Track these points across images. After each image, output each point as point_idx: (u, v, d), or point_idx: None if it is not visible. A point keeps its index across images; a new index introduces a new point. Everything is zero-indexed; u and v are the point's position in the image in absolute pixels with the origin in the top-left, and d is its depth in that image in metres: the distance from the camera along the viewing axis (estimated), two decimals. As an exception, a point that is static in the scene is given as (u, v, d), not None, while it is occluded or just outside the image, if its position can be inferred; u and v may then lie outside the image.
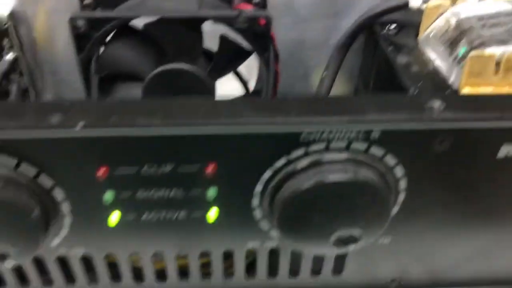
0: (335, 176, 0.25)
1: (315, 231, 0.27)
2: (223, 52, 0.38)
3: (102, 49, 0.39)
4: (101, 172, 0.26)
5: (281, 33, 0.40)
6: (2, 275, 0.31)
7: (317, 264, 0.33)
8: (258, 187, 0.27)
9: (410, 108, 0.25)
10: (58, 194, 0.26)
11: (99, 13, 0.35)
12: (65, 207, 0.27)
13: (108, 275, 0.32)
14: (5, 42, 0.38)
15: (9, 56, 0.38)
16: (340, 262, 0.33)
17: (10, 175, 0.25)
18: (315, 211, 0.26)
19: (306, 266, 0.32)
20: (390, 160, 0.26)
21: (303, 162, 0.26)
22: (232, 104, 0.26)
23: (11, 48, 0.38)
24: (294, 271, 0.33)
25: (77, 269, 0.31)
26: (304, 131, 0.25)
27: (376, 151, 0.26)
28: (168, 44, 0.38)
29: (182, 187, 0.27)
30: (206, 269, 0.32)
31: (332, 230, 0.27)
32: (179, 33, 0.37)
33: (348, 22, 0.42)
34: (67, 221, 0.27)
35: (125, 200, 0.27)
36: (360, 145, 0.26)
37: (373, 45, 0.41)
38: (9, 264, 0.27)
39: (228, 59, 0.38)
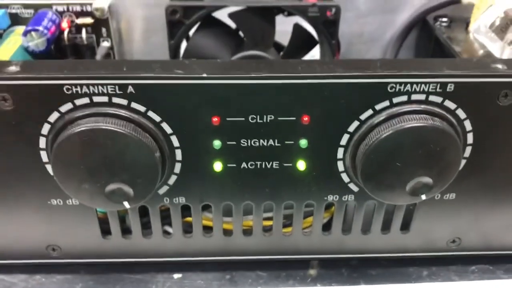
0: (414, 123, 0.29)
1: (394, 179, 0.31)
2: (295, 39, 0.42)
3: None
4: (214, 120, 0.30)
5: (343, 26, 0.45)
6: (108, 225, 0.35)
7: (387, 222, 0.36)
8: (344, 139, 0.31)
9: (478, 67, 0.30)
10: (175, 140, 0.31)
11: (192, 2, 0.41)
12: (178, 153, 0.31)
13: (201, 228, 0.36)
14: (103, 30, 0.43)
15: (106, 43, 0.43)
16: (408, 219, 0.36)
17: (139, 119, 0.29)
18: (394, 160, 0.30)
19: (377, 222, 0.36)
20: (461, 113, 0.30)
21: (386, 113, 0.30)
22: (325, 63, 0.30)
23: (108, 36, 0.43)
24: (365, 229, 0.37)
25: (176, 220, 0.35)
26: (390, 83, 0.29)
27: (450, 104, 0.30)
28: (245, 33, 0.43)
29: (278, 138, 0.31)
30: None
31: (408, 178, 0.31)
32: (256, 23, 0.42)
33: (402, 17, 0.47)
34: (178, 167, 0.32)
35: (229, 149, 0.31)
36: (436, 98, 0.30)
37: (427, 38, 0.46)
38: (126, 204, 0.31)
39: (299, 46, 0.43)
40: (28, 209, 0.34)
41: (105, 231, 0.35)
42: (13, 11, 0.42)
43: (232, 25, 0.45)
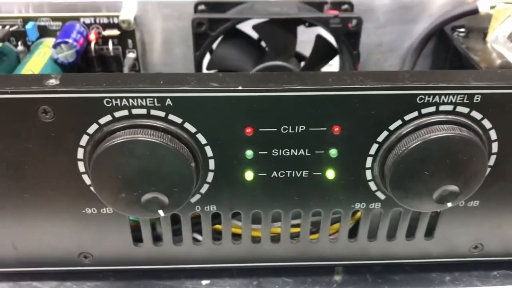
0: (442, 133, 0.30)
1: (421, 187, 0.32)
2: (317, 50, 0.43)
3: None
4: (247, 131, 0.31)
5: (363, 36, 0.46)
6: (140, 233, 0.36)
7: (411, 229, 0.37)
8: (373, 148, 0.32)
9: (504, 79, 0.31)
10: (208, 150, 0.32)
11: (217, 15, 0.42)
12: (212, 163, 0.32)
13: (230, 236, 0.36)
14: (129, 41, 0.44)
15: (132, 55, 0.44)
16: (432, 226, 0.37)
17: (176, 131, 0.30)
18: (422, 169, 0.31)
19: (402, 228, 0.37)
20: (487, 123, 0.31)
21: (415, 123, 0.31)
22: (354, 74, 0.31)
23: (133, 47, 0.44)
24: (390, 236, 0.37)
25: (206, 227, 0.36)
26: (419, 94, 0.30)
27: (476, 114, 0.31)
28: (268, 44, 0.44)
29: (308, 147, 0.32)
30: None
31: (435, 187, 0.32)
32: (279, 34, 0.43)
33: (420, 28, 0.48)
34: (210, 176, 0.33)
35: (261, 158, 0.32)
36: (463, 109, 0.31)
37: (445, 47, 0.47)
38: (161, 213, 0.32)
39: (320, 57, 0.44)
40: (62, 218, 0.34)
41: (137, 238, 0.36)
42: (42, 23, 0.43)
43: (254, 36, 0.46)
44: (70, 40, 0.40)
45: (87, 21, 0.43)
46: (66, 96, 0.29)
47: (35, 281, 0.38)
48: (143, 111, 0.30)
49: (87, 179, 0.32)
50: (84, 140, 0.31)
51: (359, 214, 0.36)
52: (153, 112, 0.30)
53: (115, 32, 0.43)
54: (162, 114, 0.30)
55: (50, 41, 0.43)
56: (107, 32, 0.43)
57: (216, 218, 0.36)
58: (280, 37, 0.43)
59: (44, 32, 0.44)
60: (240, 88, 0.29)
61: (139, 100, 0.29)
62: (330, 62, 0.48)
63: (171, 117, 0.30)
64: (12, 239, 0.36)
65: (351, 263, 0.39)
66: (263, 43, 0.47)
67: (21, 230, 0.35)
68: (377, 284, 0.38)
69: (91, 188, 0.33)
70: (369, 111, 0.31)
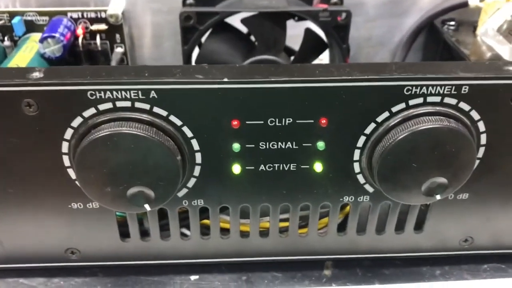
0: (429, 125, 0.30)
1: (409, 180, 0.32)
2: (307, 44, 0.43)
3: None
4: (234, 124, 0.31)
5: (352, 30, 0.46)
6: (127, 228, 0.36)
7: (400, 222, 0.37)
8: (361, 141, 0.32)
9: (492, 70, 0.30)
10: (195, 144, 0.31)
11: (205, 8, 0.41)
12: (198, 157, 0.32)
13: (219, 230, 0.36)
14: (117, 36, 0.44)
15: (120, 49, 0.44)
16: (421, 219, 0.37)
17: (161, 124, 0.30)
18: (410, 161, 0.31)
19: (391, 222, 0.36)
20: (475, 115, 0.31)
21: (403, 115, 0.31)
22: (342, 66, 0.31)
23: (121, 42, 0.44)
24: (379, 229, 0.37)
25: (194, 222, 0.35)
26: (406, 86, 0.30)
27: (464, 106, 0.31)
28: (257, 38, 0.44)
29: (296, 140, 0.32)
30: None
31: (424, 179, 0.31)
32: (268, 28, 0.43)
33: (410, 21, 0.48)
34: (197, 170, 0.32)
35: (248, 152, 0.32)
36: (451, 100, 0.30)
37: (435, 41, 0.46)
38: (147, 207, 0.32)
39: (310, 50, 0.44)
40: (48, 213, 0.34)
41: (124, 234, 0.36)
42: (28, 18, 0.43)
43: (243, 30, 0.46)
44: (57, 35, 0.40)
45: (75, 15, 0.43)
46: (49, 89, 0.29)
47: (21, 278, 0.37)
48: (128, 103, 0.29)
49: (72, 174, 0.32)
50: (68, 133, 0.30)
51: (348, 208, 0.36)
52: (138, 104, 0.29)
53: (103, 26, 0.43)
54: (146, 106, 0.30)
55: (37, 36, 0.42)
56: (94, 27, 0.43)
57: (204, 212, 0.35)
58: (269, 31, 0.43)
59: (31, 27, 0.43)
60: (226, 80, 0.29)
61: (123, 93, 0.29)
62: (320, 57, 0.48)
63: (156, 109, 0.30)
64: (-3, 235, 0.35)
65: (341, 257, 0.38)
66: (252, 37, 0.46)
67: (6, 226, 0.35)
68: (367, 278, 0.38)
69: (77, 182, 0.32)
70: (356, 103, 0.30)
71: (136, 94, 0.29)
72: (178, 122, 0.30)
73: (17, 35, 0.43)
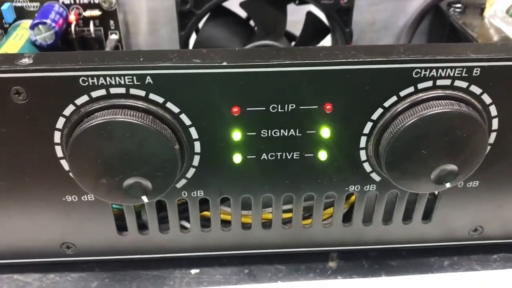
0: (439, 109, 0.28)
1: (418, 167, 0.30)
2: (308, 28, 0.42)
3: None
4: (234, 111, 0.29)
5: (355, 14, 0.44)
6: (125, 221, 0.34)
7: (408, 212, 0.36)
8: (367, 127, 0.30)
9: (504, 50, 0.29)
10: (193, 132, 0.30)
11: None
12: (197, 146, 0.30)
13: (220, 222, 0.35)
14: (111, 22, 0.42)
15: (114, 36, 0.42)
16: (429, 208, 0.35)
17: (158, 111, 0.28)
18: (419, 147, 0.29)
19: (399, 212, 0.35)
20: (487, 98, 0.30)
21: (411, 99, 0.29)
22: (347, 48, 0.29)
23: (116, 29, 0.42)
24: (386, 219, 0.36)
25: (194, 214, 0.34)
26: (415, 68, 0.28)
27: (475, 89, 0.29)
28: (257, 22, 0.42)
29: (299, 127, 0.30)
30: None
31: (433, 166, 0.30)
32: (268, 12, 0.41)
33: (414, 4, 0.46)
34: (196, 160, 0.31)
35: (249, 140, 0.30)
36: (462, 83, 0.29)
37: (441, 24, 0.45)
38: (145, 199, 0.30)
39: (312, 35, 0.42)
40: (42, 206, 0.33)
41: (121, 227, 0.34)
42: (19, 4, 0.41)
43: (243, 14, 0.44)
44: (48, 21, 0.38)
45: (67, 1, 0.41)
46: (39, 75, 0.27)
47: (16, 274, 0.36)
48: (122, 90, 0.28)
49: (65, 165, 0.31)
50: (60, 122, 0.29)
51: (353, 197, 0.35)
52: (133, 91, 0.28)
53: (96, 12, 0.41)
54: (142, 93, 0.28)
55: (27, 22, 0.41)
56: (87, 13, 0.41)
57: (204, 204, 0.34)
58: (269, 15, 0.42)
59: (21, 13, 0.41)
60: (225, 64, 0.28)
61: (117, 79, 0.28)
62: (322, 42, 0.46)
63: (152, 96, 0.28)
64: (-11, 230, 0.34)
65: (346, 248, 0.37)
66: (251, 22, 0.45)
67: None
68: (373, 270, 0.37)
69: (70, 174, 0.31)
70: (363, 87, 0.29)
71: (130, 80, 0.28)
72: (176, 110, 0.29)
73: (7, 22, 0.41)
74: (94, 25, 0.42)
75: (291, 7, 0.44)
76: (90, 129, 0.28)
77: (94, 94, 0.28)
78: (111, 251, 0.36)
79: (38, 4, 0.41)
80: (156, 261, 0.36)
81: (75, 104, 0.28)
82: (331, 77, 0.28)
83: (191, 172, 0.31)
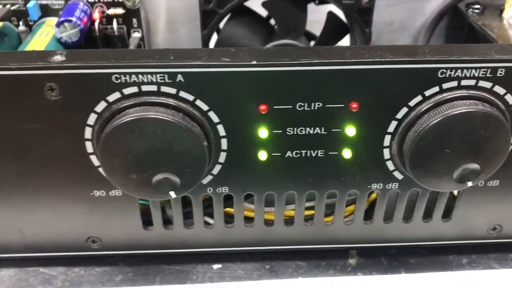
0: (464, 109, 0.29)
1: (442, 166, 0.31)
2: (329, 28, 0.42)
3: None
4: (261, 109, 0.30)
5: (374, 15, 0.45)
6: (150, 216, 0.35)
7: (428, 210, 0.36)
8: (392, 126, 0.31)
9: (529, 52, 0.29)
10: (221, 129, 0.30)
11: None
12: (224, 143, 0.31)
13: (243, 218, 0.35)
14: (134, 21, 0.43)
15: (137, 34, 0.43)
16: (450, 207, 0.36)
17: (187, 108, 0.29)
18: (443, 146, 0.30)
19: (419, 210, 0.35)
20: (510, 99, 0.30)
21: (436, 99, 0.30)
22: (373, 48, 0.30)
23: (138, 27, 0.43)
24: (406, 217, 0.36)
25: (218, 210, 0.35)
26: (440, 68, 0.29)
27: (499, 89, 0.30)
28: (278, 22, 0.43)
29: (325, 125, 0.31)
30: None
31: (456, 165, 0.31)
32: (289, 11, 0.42)
33: (432, 5, 0.46)
34: (223, 156, 0.31)
35: (275, 137, 0.31)
36: (486, 84, 0.29)
37: (459, 25, 0.45)
38: (173, 194, 0.31)
39: (332, 35, 0.43)
40: (69, 201, 0.33)
41: (146, 222, 0.35)
42: (44, 2, 0.42)
43: (263, 14, 0.45)
44: (73, 19, 0.39)
45: (91, -1, 0.42)
46: (72, 72, 0.28)
47: (42, 267, 0.37)
48: (153, 87, 0.28)
49: (95, 160, 0.31)
50: (91, 119, 0.29)
51: (373, 195, 0.35)
52: (164, 88, 0.29)
53: (120, 11, 0.42)
54: (173, 91, 0.29)
55: (52, 20, 0.41)
56: (111, 11, 0.42)
57: (227, 200, 0.34)
58: (290, 15, 0.42)
59: (46, 11, 0.42)
60: (254, 62, 0.28)
61: (149, 76, 0.28)
62: (339, 42, 0.47)
63: (183, 94, 0.29)
64: (18, 224, 0.34)
65: (366, 246, 0.38)
66: (271, 21, 0.45)
67: (27, 214, 0.34)
68: (392, 268, 0.37)
69: (100, 169, 0.31)
70: (388, 87, 0.29)
71: (162, 78, 0.28)
72: (205, 107, 0.29)
73: (32, 20, 0.42)
74: (117, 23, 0.42)
75: (309, 7, 0.45)
76: (122, 126, 0.28)
77: (126, 91, 0.29)
78: (135, 246, 0.36)
79: (62, 2, 0.42)
80: (179, 256, 0.37)
81: (106, 101, 0.29)
82: (357, 76, 0.29)
83: (217, 169, 0.32)
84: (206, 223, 0.36)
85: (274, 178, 0.33)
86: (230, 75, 0.29)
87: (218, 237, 0.36)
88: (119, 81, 0.28)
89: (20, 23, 0.42)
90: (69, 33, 0.39)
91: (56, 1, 0.42)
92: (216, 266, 0.37)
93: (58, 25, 0.39)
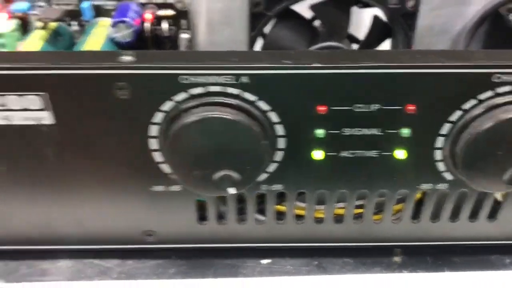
0: (516, 113, 0.30)
1: (493, 168, 0.32)
2: (374, 31, 0.43)
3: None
4: (320, 109, 0.31)
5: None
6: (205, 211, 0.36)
7: (475, 210, 0.37)
8: (445, 128, 0.32)
9: None
10: (280, 129, 0.31)
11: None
12: (281, 142, 0.32)
13: (294, 216, 0.37)
14: (183, 22, 0.44)
15: (186, 35, 0.44)
16: (496, 207, 0.37)
17: (250, 109, 0.30)
18: (495, 149, 0.31)
19: (466, 210, 0.36)
20: (562, 104, 0.31)
21: (489, 103, 0.30)
22: (428, 52, 0.31)
23: (188, 28, 0.44)
24: (453, 217, 0.37)
25: (271, 207, 0.36)
26: (495, 73, 0.29)
27: (554, 94, 0.30)
28: (324, 24, 0.44)
29: (381, 126, 0.32)
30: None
31: (507, 167, 0.31)
32: (335, 14, 0.43)
33: (473, 10, 0.47)
34: (280, 155, 0.33)
35: (332, 138, 0.32)
36: (541, 89, 0.30)
37: (500, 30, 0.46)
38: (232, 190, 0.32)
39: (376, 38, 0.44)
40: (129, 195, 0.35)
41: (201, 216, 0.36)
42: (97, 2, 0.43)
43: (306, 15, 0.46)
44: (128, 19, 0.40)
45: (142, 0, 0.43)
46: (142, 72, 0.29)
47: (96, 259, 0.38)
48: (219, 88, 0.30)
49: (157, 157, 0.32)
50: (157, 117, 0.31)
51: (419, 195, 0.36)
52: (229, 89, 0.30)
53: (170, 12, 0.43)
54: (237, 91, 0.30)
55: (105, 21, 0.43)
56: (161, 12, 0.43)
57: (278, 197, 0.36)
58: (336, 18, 0.43)
59: (98, 11, 0.43)
60: (316, 65, 0.29)
61: (216, 78, 0.29)
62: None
63: (246, 94, 0.30)
64: (79, 217, 0.36)
65: (412, 244, 0.39)
66: (315, 23, 0.46)
67: (88, 208, 0.35)
68: (437, 266, 0.38)
69: (161, 165, 0.33)
70: (443, 90, 0.30)
71: (227, 79, 0.29)
72: (266, 107, 0.31)
73: (85, 19, 0.43)
74: (169, 24, 0.43)
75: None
76: (188, 125, 0.29)
77: (192, 91, 0.30)
78: (189, 240, 0.37)
79: (114, 2, 0.43)
80: (230, 250, 0.38)
81: (173, 100, 0.30)
82: (414, 79, 0.30)
83: (272, 167, 0.33)
84: (258, 219, 0.37)
85: (328, 177, 0.34)
86: (292, 77, 0.30)
87: (269, 233, 0.37)
88: (186, 81, 0.29)
89: (73, 23, 0.44)
90: (124, 34, 0.40)
91: (109, 2, 0.43)
92: (265, 261, 0.38)
93: (114, 25, 0.40)
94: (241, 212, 0.36)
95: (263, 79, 0.30)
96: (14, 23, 0.41)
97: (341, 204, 0.36)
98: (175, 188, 0.34)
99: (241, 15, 0.44)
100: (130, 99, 0.30)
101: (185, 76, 0.29)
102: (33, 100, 0.30)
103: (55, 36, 0.41)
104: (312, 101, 0.31)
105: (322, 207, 0.36)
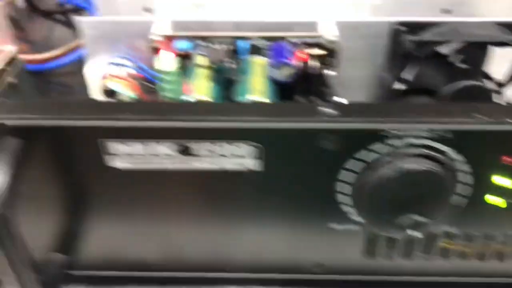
0: None
1: None
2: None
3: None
4: (506, 160, 0.33)
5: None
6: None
7: None
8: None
9: None
10: (468, 179, 0.34)
11: (424, 37, 0.44)
12: (465, 189, 0.34)
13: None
14: (331, 60, 0.46)
15: (332, 73, 0.47)
16: None
17: (447, 160, 0.32)
18: None
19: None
20: None
21: None
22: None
23: (334, 65, 0.46)
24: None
25: (434, 245, 0.38)
26: None
27: None
28: (464, 63, 0.46)
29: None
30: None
31: None
32: (476, 54, 0.45)
33: None
34: (456, 200, 0.35)
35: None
36: None
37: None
38: (418, 233, 0.35)
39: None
40: (306, 231, 0.38)
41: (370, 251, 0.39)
42: (251, 42, 0.46)
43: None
44: (288, 60, 0.43)
45: (293, 40, 0.46)
46: (346, 126, 0.32)
47: (260, 286, 0.41)
48: (420, 141, 0.32)
49: (340, 198, 0.35)
50: (350, 163, 0.33)
51: None
52: (428, 142, 0.32)
53: (322, 51, 0.45)
54: (437, 145, 0.32)
55: (259, 59, 0.45)
56: (313, 51, 0.45)
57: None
58: (476, 57, 0.45)
59: (252, 49, 0.46)
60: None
61: (418, 132, 0.32)
62: None
63: (444, 147, 0.32)
64: (253, 249, 0.39)
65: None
66: (450, 59, 0.48)
67: (267, 240, 0.39)
68: None
69: (341, 205, 0.35)
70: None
71: (430, 134, 0.32)
72: (460, 158, 0.33)
73: (239, 57, 0.46)
74: (320, 63, 0.46)
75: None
76: (386, 176, 0.32)
77: (392, 142, 0.32)
78: (353, 271, 0.40)
79: (267, 42, 0.46)
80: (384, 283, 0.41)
81: (370, 150, 0.33)
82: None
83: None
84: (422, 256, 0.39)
85: (496, 222, 0.37)
86: (489, 133, 0.32)
87: (419, 267, 0.40)
88: (385, 134, 0.32)
89: (229, 60, 0.46)
90: (285, 74, 0.43)
91: (262, 41, 0.46)
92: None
93: (275, 65, 0.43)
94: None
95: (469, 135, 0.32)
96: (177, 61, 0.44)
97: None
98: (353, 227, 0.37)
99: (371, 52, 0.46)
100: (333, 148, 0.33)
101: (385, 131, 0.32)
102: (247, 149, 0.33)
103: (218, 75, 0.44)
104: (499, 153, 0.33)
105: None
